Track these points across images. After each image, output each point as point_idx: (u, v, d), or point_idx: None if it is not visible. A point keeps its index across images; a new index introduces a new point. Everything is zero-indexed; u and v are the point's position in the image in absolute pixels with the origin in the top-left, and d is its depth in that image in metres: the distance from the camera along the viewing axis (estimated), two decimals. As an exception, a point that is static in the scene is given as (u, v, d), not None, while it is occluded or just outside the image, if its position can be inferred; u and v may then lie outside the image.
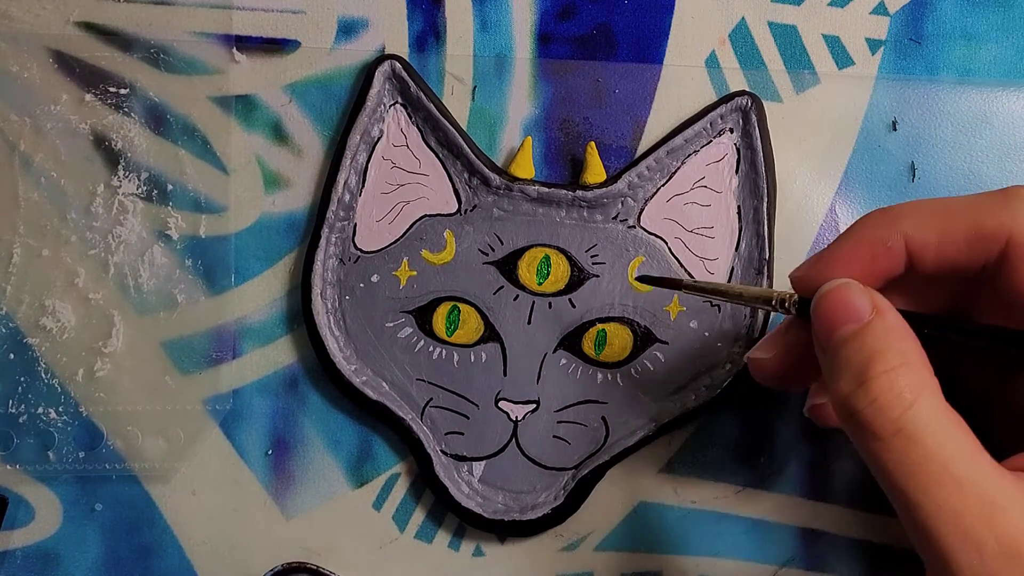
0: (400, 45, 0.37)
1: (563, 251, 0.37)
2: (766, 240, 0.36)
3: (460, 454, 0.37)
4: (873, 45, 0.37)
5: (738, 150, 0.37)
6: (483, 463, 0.37)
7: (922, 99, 0.37)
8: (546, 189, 0.36)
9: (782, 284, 0.33)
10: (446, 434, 0.37)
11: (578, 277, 0.37)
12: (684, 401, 0.36)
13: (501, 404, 0.37)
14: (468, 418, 0.37)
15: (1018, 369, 0.28)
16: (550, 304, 0.36)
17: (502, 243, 0.37)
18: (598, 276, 0.37)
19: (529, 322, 0.36)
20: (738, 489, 0.37)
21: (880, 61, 0.37)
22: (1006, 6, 0.37)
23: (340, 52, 0.37)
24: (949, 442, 0.24)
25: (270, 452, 0.38)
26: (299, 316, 0.37)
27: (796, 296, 0.29)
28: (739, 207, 0.37)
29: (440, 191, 0.37)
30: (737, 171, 0.37)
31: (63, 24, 0.37)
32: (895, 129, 0.37)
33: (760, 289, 0.31)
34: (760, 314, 0.37)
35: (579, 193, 0.36)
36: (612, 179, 0.36)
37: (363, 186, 0.37)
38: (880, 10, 0.37)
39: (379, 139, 0.37)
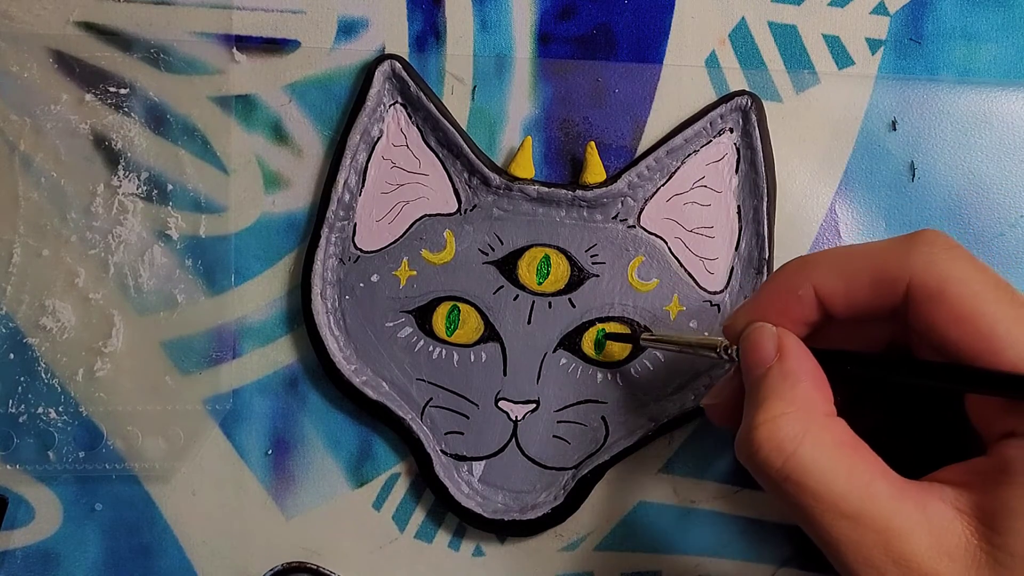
0: (400, 45, 0.37)
1: (563, 251, 0.37)
2: (766, 240, 0.36)
3: (460, 454, 0.37)
4: (873, 45, 0.37)
5: (738, 150, 0.37)
6: (483, 463, 0.37)
7: (922, 99, 0.37)
8: (546, 189, 0.36)
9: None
10: (446, 434, 0.37)
11: (578, 277, 0.37)
12: (684, 401, 0.36)
13: (501, 404, 0.37)
14: (468, 418, 0.37)
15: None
16: (550, 304, 0.36)
17: (502, 243, 0.37)
18: (598, 276, 0.37)
19: (529, 322, 0.36)
20: (738, 489, 0.37)
21: (880, 61, 0.37)
22: (1006, 6, 0.37)
23: (340, 52, 0.37)
24: (837, 480, 0.25)
25: (270, 452, 0.38)
26: (299, 316, 0.37)
27: (729, 344, 0.31)
28: (739, 207, 0.37)
29: (440, 191, 0.37)
30: (737, 171, 0.37)
31: (63, 24, 0.37)
32: (895, 129, 0.37)
33: (707, 338, 0.32)
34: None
35: (579, 193, 0.36)
36: (612, 179, 0.36)
37: (363, 186, 0.37)
38: (880, 10, 0.37)
39: (379, 139, 0.37)
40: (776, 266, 0.36)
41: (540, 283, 0.37)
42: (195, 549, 0.38)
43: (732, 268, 0.37)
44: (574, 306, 0.36)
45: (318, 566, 0.37)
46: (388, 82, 0.37)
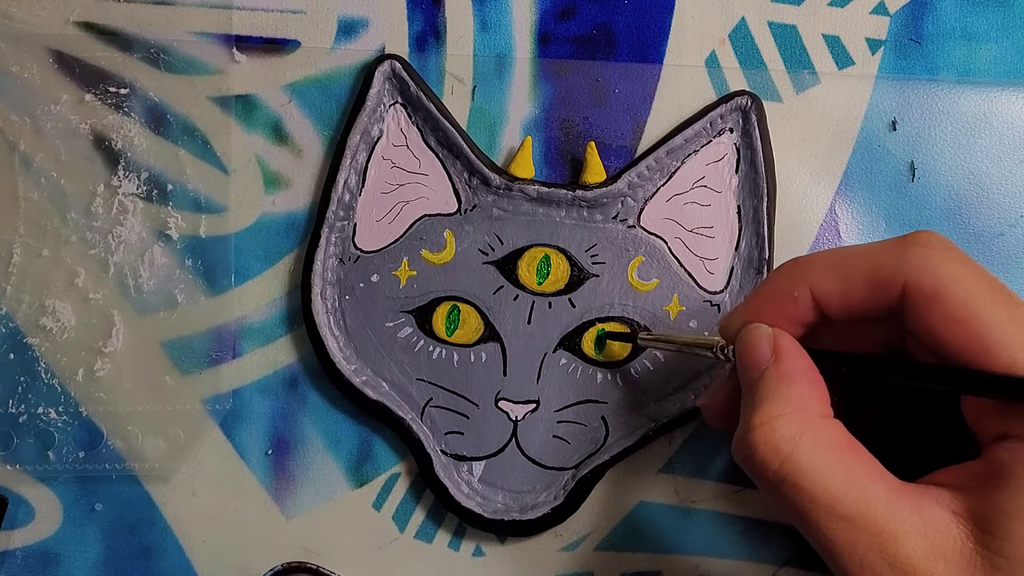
0: (400, 45, 0.37)
1: (563, 251, 0.37)
2: (766, 240, 0.36)
3: (460, 454, 0.37)
4: (873, 45, 0.37)
5: (738, 150, 0.37)
6: (483, 463, 0.37)
7: (922, 99, 0.37)
8: (546, 189, 0.36)
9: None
10: (446, 434, 0.37)
11: (578, 277, 0.37)
12: (684, 401, 0.36)
13: (501, 404, 0.37)
14: (468, 418, 0.37)
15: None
16: (550, 304, 0.36)
17: (502, 243, 0.37)
18: (598, 276, 0.37)
19: (529, 322, 0.36)
20: (738, 489, 0.37)
21: (880, 61, 0.37)
22: (1006, 6, 0.37)
23: (340, 52, 0.37)
24: (834, 482, 0.25)
25: (270, 452, 0.38)
26: (299, 316, 0.37)
27: (725, 344, 0.31)
28: (739, 207, 0.37)
29: (440, 191, 0.37)
30: (737, 171, 0.37)
31: (63, 24, 0.37)
32: (895, 129, 0.37)
33: (704, 338, 0.32)
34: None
35: (579, 193, 0.36)
36: (612, 179, 0.36)
37: (363, 186, 0.37)
38: (880, 10, 0.37)
39: (379, 139, 0.37)
40: (776, 266, 0.36)
41: (540, 283, 0.37)
42: (195, 549, 0.38)
43: (732, 268, 0.37)
44: (574, 306, 0.36)
45: (318, 566, 0.37)
46: (388, 82, 0.37)
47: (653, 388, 0.37)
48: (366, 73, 0.36)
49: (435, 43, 0.37)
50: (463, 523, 0.37)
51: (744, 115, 0.36)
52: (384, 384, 0.37)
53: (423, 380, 0.37)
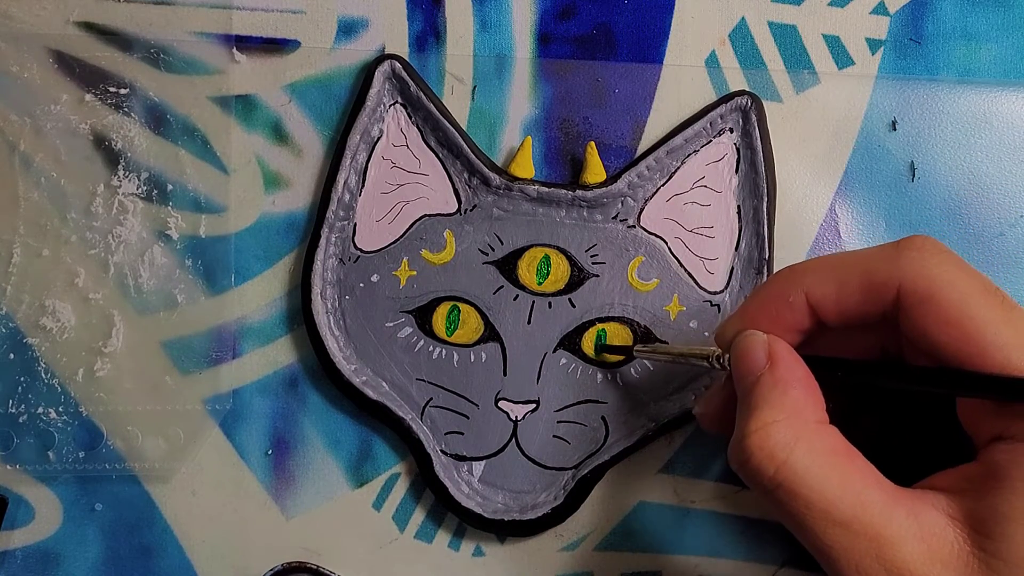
0: (400, 45, 0.37)
1: (563, 251, 0.37)
2: (766, 240, 0.36)
3: (460, 454, 0.37)
4: (873, 45, 0.37)
5: (738, 150, 0.37)
6: (483, 463, 0.37)
7: (922, 99, 0.37)
8: (546, 189, 0.36)
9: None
10: (446, 434, 0.37)
11: (578, 277, 0.37)
12: (684, 401, 0.36)
13: (501, 404, 0.37)
14: (468, 418, 0.37)
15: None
16: (550, 304, 0.36)
17: (502, 243, 0.37)
18: (598, 276, 0.37)
19: (529, 322, 0.36)
20: (738, 489, 0.37)
21: (880, 61, 0.37)
22: (1006, 6, 0.37)
23: (340, 52, 0.37)
24: (829, 488, 0.25)
25: (270, 452, 0.38)
26: (299, 316, 0.37)
27: (721, 352, 0.31)
28: (739, 207, 0.37)
29: (440, 191, 0.37)
30: (737, 171, 0.37)
31: (63, 24, 0.37)
32: (895, 129, 0.37)
33: (699, 348, 0.32)
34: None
35: (579, 193, 0.36)
36: (612, 179, 0.36)
37: (363, 186, 0.37)
38: (880, 10, 0.37)
39: (379, 139, 0.37)
40: (776, 266, 0.36)
41: (540, 283, 0.37)
42: (195, 549, 0.38)
43: (732, 268, 0.37)
44: (574, 306, 0.36)
45: (318, 566, 0.37)
46: (388, 82, 0.37)
47: (653, 388, 0.37)
48: (366, 73, 0.36)
49: (435, 43, 0.37)
50: (463, 523, 0.37)
51: (744, 115, 0.36)
52: (384, 384, 0.37)
53: (423, 380, 0.37)
